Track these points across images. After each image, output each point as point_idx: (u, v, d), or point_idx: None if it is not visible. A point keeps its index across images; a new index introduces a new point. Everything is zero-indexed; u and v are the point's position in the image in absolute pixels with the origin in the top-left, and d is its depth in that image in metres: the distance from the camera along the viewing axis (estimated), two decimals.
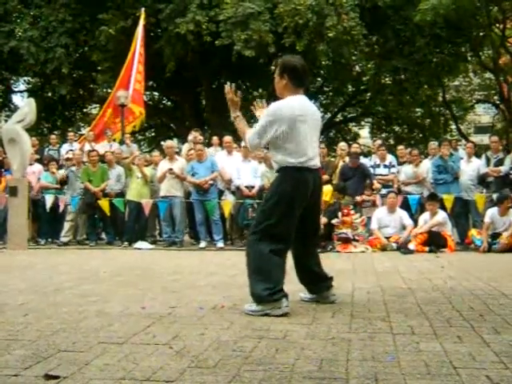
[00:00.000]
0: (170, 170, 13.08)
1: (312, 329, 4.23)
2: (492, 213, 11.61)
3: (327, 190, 11.92)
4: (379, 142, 15.77)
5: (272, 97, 5.43)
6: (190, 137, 14.38)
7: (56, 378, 3.04)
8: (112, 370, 3.20)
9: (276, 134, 4.90)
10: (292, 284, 5.37)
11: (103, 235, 14.81)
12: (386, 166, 13.43)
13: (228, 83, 5.28)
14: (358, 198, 12.67)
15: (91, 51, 22.23)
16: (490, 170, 12.80)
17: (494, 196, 12.16)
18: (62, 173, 14.30)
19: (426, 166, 13.14)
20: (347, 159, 13.84)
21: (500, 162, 12.81)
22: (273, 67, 5.31)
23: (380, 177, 13.27)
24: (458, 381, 2.96)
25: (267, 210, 4.96)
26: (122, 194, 13.82)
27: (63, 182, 14.11)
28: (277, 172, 5.08)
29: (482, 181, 12.95)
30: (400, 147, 14.80)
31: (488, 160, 12.96)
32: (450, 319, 4.53)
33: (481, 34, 24.53)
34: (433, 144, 14.29)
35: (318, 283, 5.41)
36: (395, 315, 4.70)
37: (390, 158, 13.63)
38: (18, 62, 22.00)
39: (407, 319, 4.53)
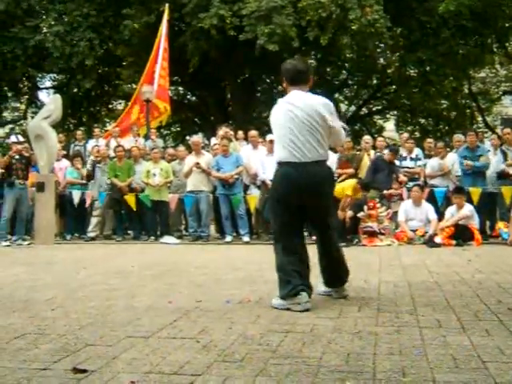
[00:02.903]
0: (197, 164, 13.10)
1: (339, 322, 4.23)
2: None
3: (349, 184, 11.85)
4: (406, 134, 15.67)
5: None
6: (220, 132, 14.36)
7: (84, 371, 3.07)
8: (139, 363, 3.23)
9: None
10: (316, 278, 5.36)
11: (129, 230, 14.88)
12: (412, 159, 13.34)
13: None
14: (386, 192, 12.59)
15: (115, 46, 22.35)
16: (507, 165, 12.62)
17: None
18: (87, 168, 14.36)
19: (452, 159, 13.03)
20: (372, 152, 13.78)
21: None
22: None
23: (406, 169, 13.18)
24: (487, 375, 2.94)
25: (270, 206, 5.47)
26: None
27: (89, 177, 14.18)
28: None
29: (500, 177, 12.71)
30: (428, 140, 14.67)
31: (504, 154, 12.76)
32: (477, 313, 4.50)
33: (507, 24, 24.24)
34: (457, 136, 14.13)
35: (335, 279, 5.40)
36: (422, 309, 4.68)
37: (416, 151, 13.54)
38: (43, 58, 22.18)
39: (434, 313, 4.51)
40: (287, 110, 5.10)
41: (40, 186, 13.01)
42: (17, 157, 13.14)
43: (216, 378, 2.95)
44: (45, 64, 22.64)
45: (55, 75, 27.69)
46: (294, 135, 5.02)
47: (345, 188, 11.65)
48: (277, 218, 5.20)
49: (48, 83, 29.38)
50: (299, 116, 5.04)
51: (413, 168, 13.27)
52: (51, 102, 14.49)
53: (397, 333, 3.88)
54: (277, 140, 5.19)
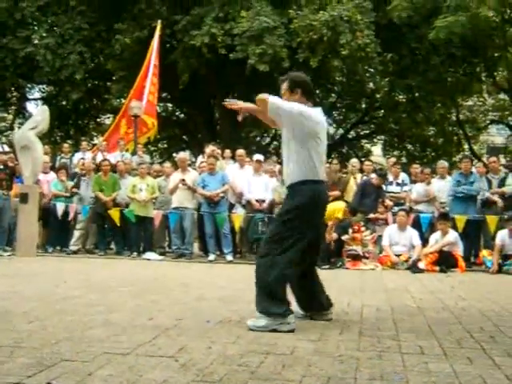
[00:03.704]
0: (183, 180, 13.06)
1: (320, 345, 4.17)
2: (502, 235, 11.51)
3: (339, 207, 11.84)
4: (393, 159, 15.71)
5: None
6: (207, 150, 14.34)
7: None
8: (115, 381, 3.16)
9: (307, 135, 4.97)
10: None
11: (112, 245, 14.78)
12: (398, 184, 13.36)
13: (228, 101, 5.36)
14: (372, 216, 12.58)
15: (106, 60, 22.35)
16: (493, 192, 12.67)
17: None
18: (72, 183, 14.25)
19: (437, 186, 13.06)
20: (359, 176, 13.79)
21: (502, 182, 12.71)
22: (282, 83, 5.18)
23: (392, 194, 13.19)
24: None
25: (285, 223, 4.95)
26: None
27: (74, 193, 14.08)
28: (293, 186, 5.05)
29: (485, 205, 12.73)
30: (414, 165, 14.72)
31: (489, 182, 12.82)
32: (460, 340, 4.46)
33: (496, 54, 24.46)
34: (441, 163, 14.19)
35: (317, 303, 5.33)
36: (405, 334, 4.63)
37: (402, 176, 13.58)
38: (33, 69, 22.11)
39: (417, 339, 4.47)
40: (324, 125, 5.14)
41: (23, 197, 12.90)
42: (1, 167, 13.04)
43: None
44: (34, 75, 22.57)
45: (44, 87, 27.61)
46: (324, 153, 5.11)
47: (336, 211, 11.62)
48: (298, 236, 4.90)
49: (37, 94, 29.32)
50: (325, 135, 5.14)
51: (398, 193, 13.28)
52: (38, 112, 14.41)
53: (378, 358, 3.83)
54: (314, 156, 4.95)
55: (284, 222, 4.92)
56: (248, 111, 5.32)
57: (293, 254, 4.89)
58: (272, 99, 4.94)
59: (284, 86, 5.14)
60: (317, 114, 5.11)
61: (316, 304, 5.31)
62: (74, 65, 21.07)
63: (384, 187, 13.16)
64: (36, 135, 13.35)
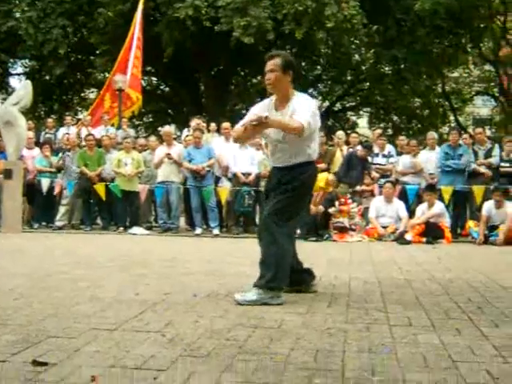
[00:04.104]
0: (168, 154, 12.99)
1: (308, 318, 4.16)
2: (488, 206, 11.54)
3: (322, 176, 11.78)
4: (379, 131, 15.66)
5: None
6: (193, 123, 14.25)
7: (44, 364, 2.96)
8: (102, 357, 3.12)
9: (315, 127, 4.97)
10: None
11: (98, 220, 14.73)
12: (384, 156, 13.35)
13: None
14: (358, 188, 12.58)
15: (89, 34, 22.10)
16: (480, 163, 12.68)
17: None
18: (57, 159, 14.12)
19: (425, 157, 13.06)
20: (345, 148, 13.76)
21: (489, 153, 12.73)
22: (273, 59, 4.99)
23: (378, 166, 13.18)
24: (457, 375, 2.88)
25: (293, 198, 4.95)
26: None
27: (60, 168, 13.98)
28: (297, 165, 4.98)
29: (471, 177, 12.73)
30: (401, 137, 14.72)
31: (476, 153, 12.83)
32: (448, 311, 4.46)
33: (482, 25, 24.43)
34: (431, 134, 14.16)
35: (299, 277, 5.33)
36: (392, 306, 4.63)
37: (388, 148, 13.56)
38: (15, 43, 21.86)
39: (405, 310, 4.46)
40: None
41: (7, 173, 12.80)
42: None
43: (181, 373, 2.86)
44: (17, 49, 22.31)
45: (27, 61, 27.32)
46: None
47: (318, 180, 11.57)
48: (300, 211, 5.20)
49: (20, 69, 29.00)
50: None
51: (385, 165, 13.27)
52: (21, 87, 14.26)
53: (366, 330, 3.82)
54: (315, 138, 5.08)
55: (292, 197, 4.94)
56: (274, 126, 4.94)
57: (292, 229, 5.17)
58: (306, 124, 4.76)
59: (277, 62, 4.91)
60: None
61: (299, 277, 5.31)
62: (56, 39, 20.84)
63: (370, 159, 13.14)
64: (19, 110, 13.22)
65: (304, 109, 4.83)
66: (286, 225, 4.90)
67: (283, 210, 4.90)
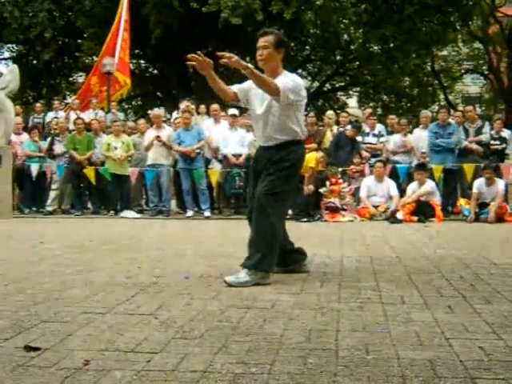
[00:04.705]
0: (158, 137, 12.94)
1: (301, 298, 4.16)
2: (479, 183, 11.55)
3: (311, 156, 11.74)
4: (369, 110, 15.62)
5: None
6: (182, 106, 14.18)
7: (37, 349, 2.95)
8: (95, 340, 3.11)
9: (299, 104, 4.97)
10: None
11: (89, 204, 14.68)
12: (374, 135, 13.30)
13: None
14: (349, 168, 12.55)
15: (76, 17, 21.89)
16: (471, 140, 12.69)
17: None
18: (45, 143, 14.03)
19: (417, 136, 13.05)
20: (335, 128, 13.73)
21: (479, 131, 12.74)
22: (265, 36, 4.94)
23: (369, 145, 13.16)
24: (451, 352, 2.89)
25: (284, 178, 4.95)
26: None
27: (52, 155, 13.89)
28: (284, 144, 4.97)
29: (462, 154, 12.75)
30: (391, 116, 14.69)
31: (466, 131, 12.83)
32: (440, 289, 4.47)
33: (470, 2, 24.34)
34: (424, 112, 14.15)
35: (289, 257, 5.34)
36: (385, 284, 4.63)
37: (379, 127, 13.51)
38: (1, 27, 21.64)
39: (397, 289, 4.47)
40: None
41: None
42: None
43: (174, 355, 2.85)
44: (3, 33, 22.10)
45: (14, 46, 27.10)
46: None
47: (308, 161, 11.56)
48: (291, 191, 5.28)
49: (6, 54, 28.76)
50: None
51: (375, 144, 13.25)
52: (8, 72, 14.12)
53: (359, 309, 3.82)
54: (300, 118, 5.07)
55: (283, 177, 4.93)
56: (248, 73, 4.84)
57: (285, 210, 5.29)
58: (283, 89, 4.76)
59: (270, 39, 4.89)
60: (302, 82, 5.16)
61: (290, 257, 5.31)
62: (43, 23, 20.64)
63: (361, 138, 13.12)
64: (6, 95, 13.11)
65: (287, 81, 4.84)
66: (277, 206, 4.90)
67: (274, 190, 4.88)
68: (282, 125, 4.93)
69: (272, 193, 4.87)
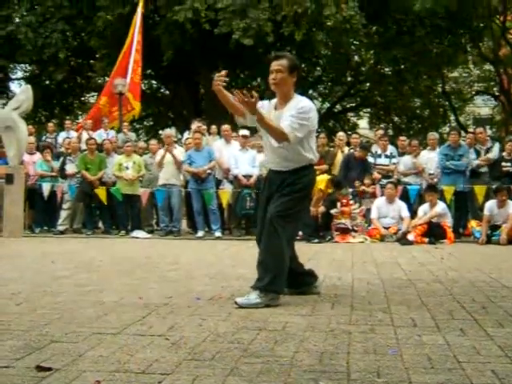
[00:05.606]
0: (168, 147, 13.02)
1: (312, 320, 4.15)
2: (490, 205, 11.51)
3: (322, 178, 11.73)
4: (381, 131, 15.61)
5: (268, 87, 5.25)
6: (193, 126, 14.24)
7: (48, 369, 2.95)
8: (106, 361, 3.11)
9: (309, 131, 4.96)
10: None
11: (100, 224, 14.71)
12: (387, 157, 13.28)
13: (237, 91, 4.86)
14: (360, 189, 12.52)
15: (89, 38, 22.09)
16: (480, 160, 12.68)
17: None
18: (57, 163, 14.10)
19: (426, 157, 13.04)
20: (346, 149, 13.74)
21: (489, 152, 12.73)
22: (279, 60, 4.96)
23: (381, 167, 13.14)
24: (463, 375, 2.87)
25: (296, 200, 4.97)
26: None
27: (64, 175, 13.95)
28: (297, 170, 4.97)
29: (473, 176, 12.74)
30: (402, 138, 14.67)
31: (478, 153, 12.82)
32: (452, 311, 4.45)
33: (481, 24, 24.43)
34: (432, 134, 14.13)
35: (300, 279, 5.34)
36: (396, 307, 4.62)
37: (390, 149, 13.49)
38: (15, 48, 21.84)
39: (408, 311, 4.45)
40: None
41: (9, 178, 12.78)
42: None
43: (185, 377, 2.85)
44: (16, 54, 22.30)
45: (27, 66, 27.33)
46: None
47: (318, 182, 11.55)
48: (302, 213, 5.39)
49: (20, 74, 29.01)
50: None
51: (387, 165, 13.22)
52: (21, 92, 14.22)
53: (371, 331, 3.81)
54: (312, 144, 5.08)
55: (296, 199, 4.95)
56: (257, 118, 4.86)
57: (294, 233, 5.22)
58: (290, 135, 4.79)
59: (284, 63, 4.90)
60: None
61: (300, 279, 5.30)
62: (56, 44, 20.86)
63: (372, 160, 13.11)
64: (20, 115, 13.21)
65: (295, 116, 4.83)
66: (288, 228, 4.90)
67: (286, 212, 4.88)
68: (294, 155, 4.95)
69: (285, 214, 4.87)
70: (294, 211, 4.94)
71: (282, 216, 4.86)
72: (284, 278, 4.89)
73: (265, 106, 5.06)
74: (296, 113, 4.85)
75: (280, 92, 5.01)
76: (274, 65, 4.94)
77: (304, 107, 4.90)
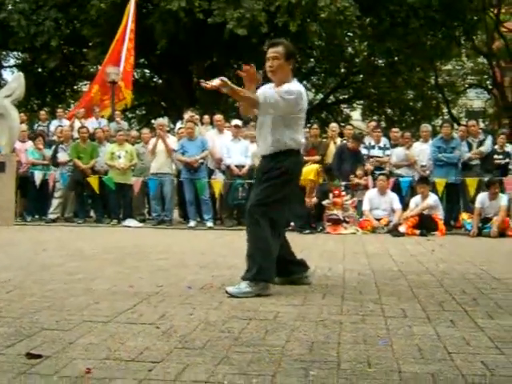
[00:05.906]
0: (160, 126, 13.01)
1: (303, 310, 4.15)
2: (482, 198, 11.54)
3: (311, 168, 11.66)
4: (374, 123, 15.62)
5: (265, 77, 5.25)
6: (186, 116, 14.21)
7: (38, 356, 2.95)
8: (96, 349, 3.11)
9: (292, 116, 4.92)
10: None
11: (92, 213, 14.68)
12: (380, 148, 13.28)
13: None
14: (352, 181, 12.52)
15: (82, 26, 21.99)
16: (472, 153, 12.71)
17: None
18: (50, 151, 14.06)
19: (418, 149, 13.05)
20: (338, 140, 13.74)
21: (481, 145, 12.76)
22: (275, 47, 4.97)
23: (376, 158, 13.13)
24: (453, 366, 2.88)
25: (275, 186, 4.89)
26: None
27: (56, 163, 13.92)
28: (277, 154, 4.94)
29: (465, 168, 12.77)
30: (394, 129, 14.68)
31: (470, 145, 12.84)
32: (442, 303, 4.46)
33: (475, 17, 24.44)
34: (424, 126, 14.14)
35: (291, 267, 5.32)
36: (387, 298, 4.63)
37: (384, 141, 13.49)
38: (7, 35, 21.73)
39: (399, 302, 4.46)
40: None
41: (0, 166, 12.73)
42: None
43: (176, 365, 2.85)
44: (9, 42, 22.20)
45: (19, 53, 27.22)
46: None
47: (306, 173, 11.47)
48: (284, 200, 5.03)
49: (12, 61, 28.90)
50: None
51: (382, 157, 13.21)
52: (13, 80, 14.16)
53: (362, 322, 3.82)
54: (300, 124, 5.03)
55: (274, 185, 4.89)
56: (229, 93, 4.94)
57: (279, 219, 4.97)
58: (261, 99, 4.79)
59: (280, 50, 4.89)
60: (304, 90, 5.11)
61: (291, 268, 5.30)
62: (49, 31, 20.76)
63: (366, 151, 13.12)
64: (12, 103, 13.14)
65: (276, 92, 4.84)
66: (269, 215, 4.85)
67: (265, 200, 4.86)
68: (275, 138, 4.91)
69: (265, 202, 4.85)
70: (274, 198, 4.87)
71: (261, 204, 4.84)
72: (272, 267, 4.87)
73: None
74: (279, 90, 4.87)
75: (277, 79, 4.99)
76: (271, 52, 4.93)
77: (290, 89, 4.88)
